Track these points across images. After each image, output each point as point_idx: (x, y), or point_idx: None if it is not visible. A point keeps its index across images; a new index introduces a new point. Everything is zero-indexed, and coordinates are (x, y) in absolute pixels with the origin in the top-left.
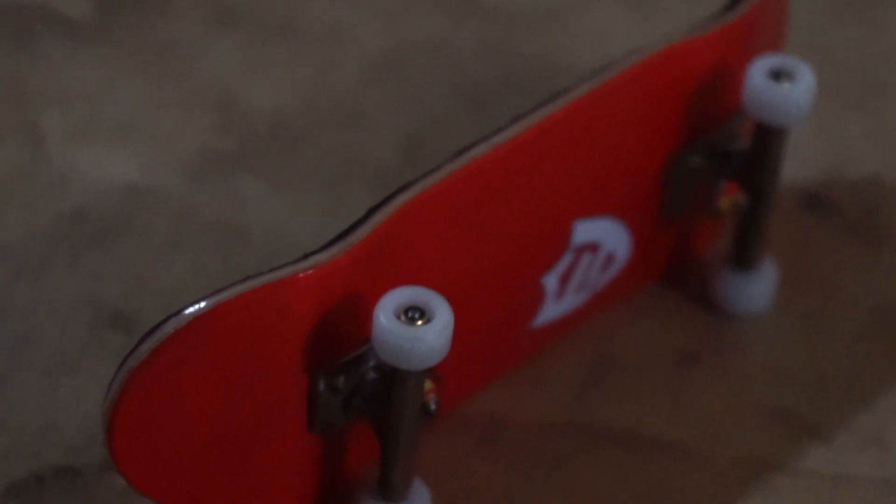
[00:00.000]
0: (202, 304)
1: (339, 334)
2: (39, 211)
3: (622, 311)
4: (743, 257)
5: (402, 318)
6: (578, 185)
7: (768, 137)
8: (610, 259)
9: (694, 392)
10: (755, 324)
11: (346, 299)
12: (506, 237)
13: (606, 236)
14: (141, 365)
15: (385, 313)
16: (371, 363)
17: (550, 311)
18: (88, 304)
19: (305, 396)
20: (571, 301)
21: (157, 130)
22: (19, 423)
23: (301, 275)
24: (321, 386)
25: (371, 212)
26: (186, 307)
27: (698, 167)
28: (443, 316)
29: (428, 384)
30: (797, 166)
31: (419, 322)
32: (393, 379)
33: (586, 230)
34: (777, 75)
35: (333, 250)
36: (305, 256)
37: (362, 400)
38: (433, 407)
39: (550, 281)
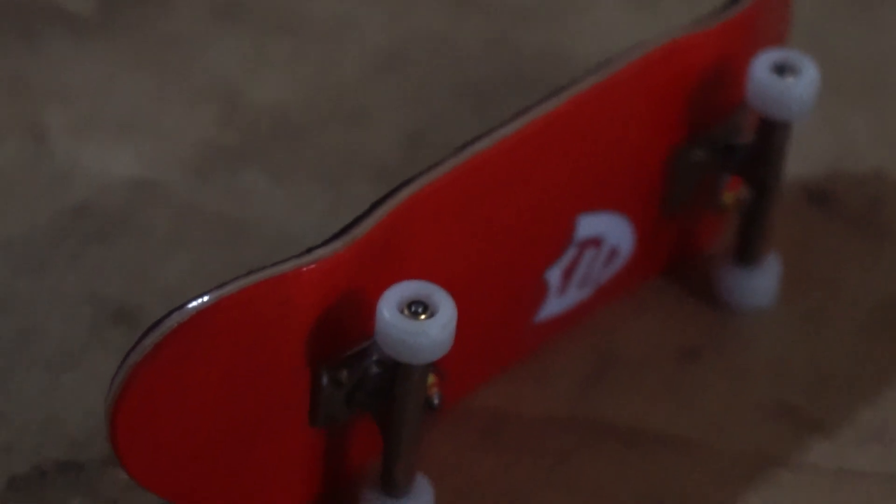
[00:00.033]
0: (205, 299)
1: (342, 328)
2: (42, 206)
3: (625, 306)
4: (746, 252)
5: (406, 312)
6: (582, 180)
7: (772, 132)
8: (613, 254)
9: (696, 387)
10: (758, 319)
11: (350, 293)
12: (509, 232)
13: (610, 231)
14: (144, 359)
15: (388, 307)
16: (374, 357)
17: (553, 305)
18: (91, 300)
19: (308, 391)
20: (574, 296)
21: (160, 126)
22: (22, 418)
23: (304, 269)
24: (324, 380)
25: (374, 206)
26: (189, 301)
27: (702, 162)
28: (446, 310)
29: (431, 378)
30: (800, 162)
31: (422, 316)
32: (396, 373)
33: (590, 225)
34: (781, 69)
35: (337, 245)
36: (308, 251)
37: (365, 394)
38: (436, 401)
39: (554, 275)
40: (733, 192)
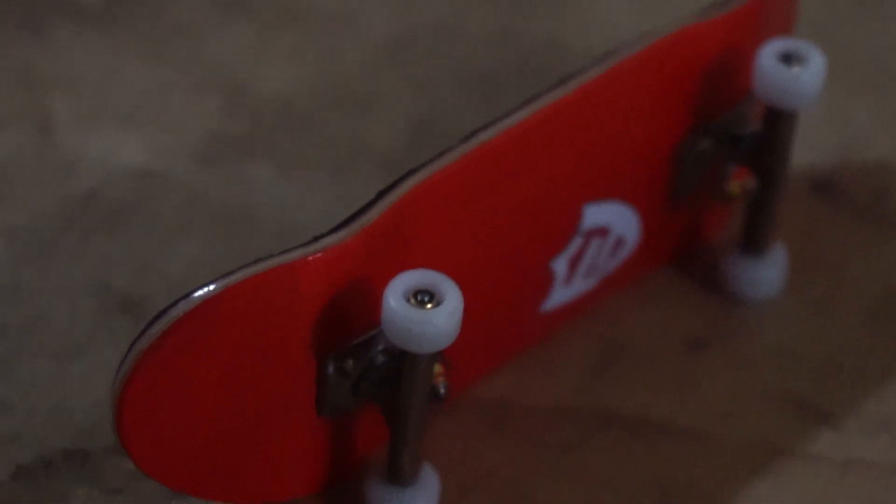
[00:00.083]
0: (211, 288)
1: (348, 317)
2: (48, 195)
3: (631, 296)
4: (752, 242)
5: (412, 301)
6: (588, 170)
7: (778, 121)
8: (619, 243)
9: (703, 377)
10: (764, 309)
11: (356, 282)
12: (515, 221)
13: (616, 220)
14: (150, 348)
15: (395, 296)
16: (380, 347)
17: (559, 295)
18: (97, 289)
19: (314, 380)
20: (580, 285)
21: (166, 115)
22: (27, 407)
23: (310, 258)
24: (330, 369)
25: (380, 195)
26: (195, 290)
27: (708, 151)
28: (452, 299)
29: (437, 368)
30: (806, 152)
31: (429, 305)
32: (402, 362)
33: (596, 214)
34: (787, 59)
35: (343, 233)
36: (315, 240)
37: (371, 384)
38: (442, 391)
39: (560, 265)
40: (739, 182)
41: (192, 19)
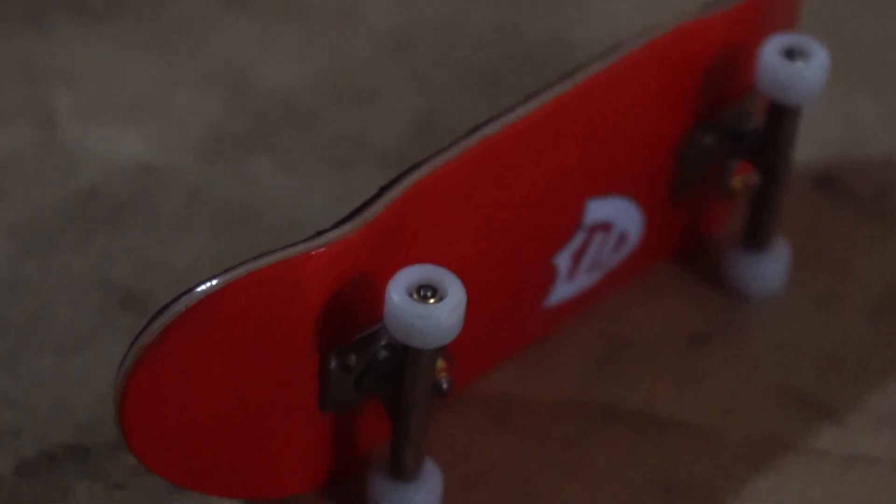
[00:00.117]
0: (214, 282)
1: (351, 312)
2: (50, 190)
3: (633, 292)
4: (755, 237)
5: (415, 296)
6: (591, 165)
7: (781, 116)
8: (622, 238)
9: (705, 372)
10: (767, 304)
11: (359, 277)
12: (518, 216)
13: (619, 215)
14: (153, 342)
15: (397, 291)
16: (383, 342)
17: (562, 290)
18: (99, 284)
19: (317, 375)
20: (583, 280)
21: (168, 110)
22: (30, 402)
23: (313, 253)
24: (333, 364)
25: (383, 190)
26: (198, 285)
27: (711, 146)
28: (455, 294)
29: (440, 363)
30: (809, 147)
31: (431, 300)
32: (405, 357)
33: (599, 209)
34: (790, 54)
35: (346, 228)
36: (317, 234)
37: (374, 379)
38: (445, 386)
39: (563, 260)
40: (742, 177)
41: (194, 14)
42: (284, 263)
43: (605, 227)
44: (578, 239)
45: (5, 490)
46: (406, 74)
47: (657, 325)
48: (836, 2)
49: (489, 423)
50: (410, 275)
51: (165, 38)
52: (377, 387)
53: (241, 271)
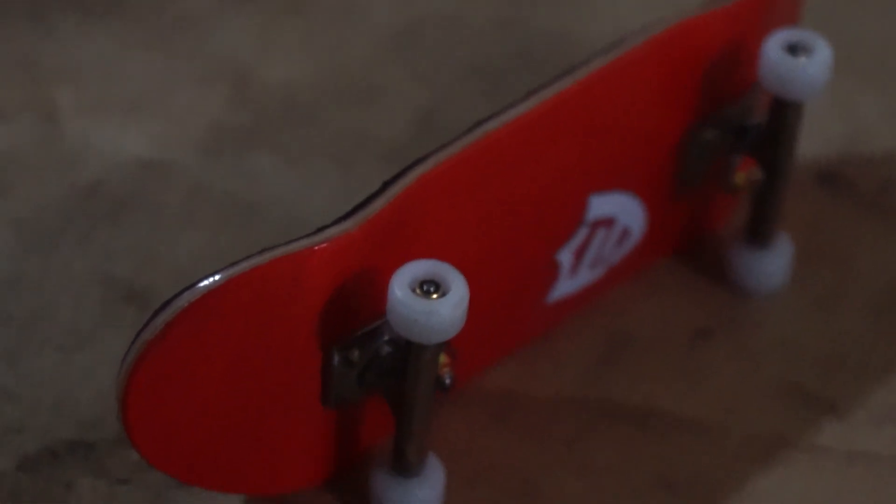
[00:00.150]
0: (216, 278)
1: (353, 308)
2: (53, 186)
3: (636, 287)
4: (758, 233)
5: (418, 291)
6: (593, 160)
7: (784, 112)
8: (625, 234)
9: (708, 368)
10: (770, 300)
11: (361, 273)
12: (521, 211)
13: (621, 211)
14: (155, 338)
15: (400, 286)
16: (386, 337)
17: (565, 286)
18: (101, 279)
19: (320, 370)
20: (586, 276)
21: (171, 106)
22: (32, 398)
23: (316, 248)
24: (335, 360)
25: (386, 185)
26: (200, 280)
27: (714, 142)
28: (458, 289)
29: (443, 358)
30: (812, 143)
31: (434, 295)
32: (408, 353)
33: (601, 205)
34: (793, 49)
35: (348, 224)
36: (320, 230)
37: (377, 374)
38: (448, 381)
39: (565, 256)
40: (745, 173)
41: (196, 10)
42: (287, 259)
43: (607, 222)
44: (581, 235)
45: (9, 485)
46: (408, 71)
47: (659, 321)
48: None
49: (491, 419)
50: (413, 270)
51: (167, 34)
52: (380, 382)
53: (243, 267)
